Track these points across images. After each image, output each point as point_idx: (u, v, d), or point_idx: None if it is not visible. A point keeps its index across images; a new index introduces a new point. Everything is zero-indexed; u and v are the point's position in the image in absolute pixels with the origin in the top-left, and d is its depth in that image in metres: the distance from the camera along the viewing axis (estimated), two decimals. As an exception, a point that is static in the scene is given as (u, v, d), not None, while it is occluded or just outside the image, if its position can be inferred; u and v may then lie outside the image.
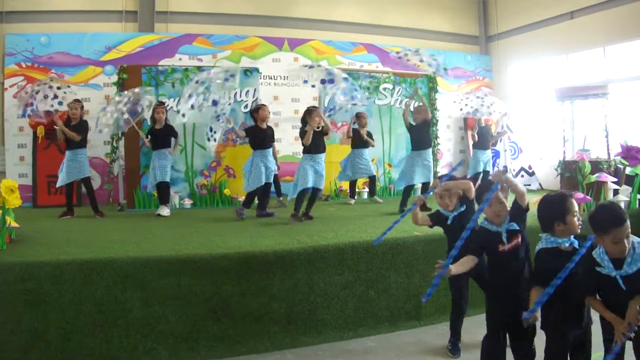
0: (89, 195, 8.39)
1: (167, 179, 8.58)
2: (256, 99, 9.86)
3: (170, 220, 7.72)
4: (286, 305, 5.12)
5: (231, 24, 11.99)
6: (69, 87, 9.27)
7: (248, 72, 9.97)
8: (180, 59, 11.04)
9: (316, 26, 12.60)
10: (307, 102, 11.39)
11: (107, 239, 5.86)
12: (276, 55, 11.82)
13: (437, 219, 4.66)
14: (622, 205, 7.92)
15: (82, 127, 8.32)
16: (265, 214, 7.98)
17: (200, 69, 9.74)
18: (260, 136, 8.03)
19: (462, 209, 4.48)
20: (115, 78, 9.72)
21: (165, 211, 8.33)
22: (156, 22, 11.52)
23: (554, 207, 3.42)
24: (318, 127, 7.42)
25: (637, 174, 8.05)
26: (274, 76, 11.64)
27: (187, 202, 9.21)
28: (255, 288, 5.01)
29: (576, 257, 3.14)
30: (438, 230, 4.79)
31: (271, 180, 8.14)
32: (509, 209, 3.78)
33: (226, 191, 9.66)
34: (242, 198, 9.60)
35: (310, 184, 7.28)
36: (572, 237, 3.38)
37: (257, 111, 8.10)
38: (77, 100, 8.50)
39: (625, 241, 3.05)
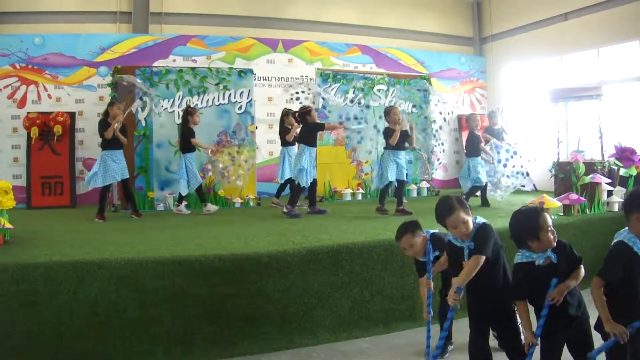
0: (128, 194, 8.48)
1: None
2: (250, 100, 9.86)
3: (165, 222, 7.71)
4: (281, 306, 5.11)
5: (225, 25, 12.00)
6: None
7: (242, 73, 9.98)
8: (174, 60, 11.05)
9: (310, 27, 12.63)
10: (302, 103, 11.42)
11: (102, 240, 5.85)
12: (270, 57, 11.83)
13: (421, 268, 4.32)
14: (616, 207, 7.95)
15: (126, 130, 8.33)
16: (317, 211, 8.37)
17: (194, 70, 9.76)
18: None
19: (437, 253, 4.18)
20: (109, 79, 9.70)
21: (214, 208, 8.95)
22: (150, 23, 11.53)
23: (525, 226, 3.32)
24: (404, 127, 8.20)
25: (630, 175, 8.07)
26: (268, 77, 11.65)
27: (182, 204, 9.20)
28: (250, 289, 5.01)
29: (553, 282, 3.23)
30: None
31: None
32: (471, 228, 3.63)
33: (220, 192, 9.65)
34: (236, 199, 9.64)
35: (392, 178, 8.12)
36: (548, 250, 3.28)
37: (309, 113, 8.39)
38: (120, 101, 8.43)
39: None
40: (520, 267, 3.36)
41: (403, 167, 8.20)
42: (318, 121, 8.63)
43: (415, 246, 4.15)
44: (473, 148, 9.13)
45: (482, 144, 9.18)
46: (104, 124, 7.99)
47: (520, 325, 3.61)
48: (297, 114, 8.69)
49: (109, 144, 8.02)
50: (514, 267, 3.44)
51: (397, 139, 8.07)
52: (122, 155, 8.20)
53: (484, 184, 9.09)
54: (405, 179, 8.42)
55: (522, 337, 3.59)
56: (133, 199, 8.45)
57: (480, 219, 3.71)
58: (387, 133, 8.23)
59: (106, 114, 8.05)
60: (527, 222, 3.31)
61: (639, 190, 3.28)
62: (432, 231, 4.26)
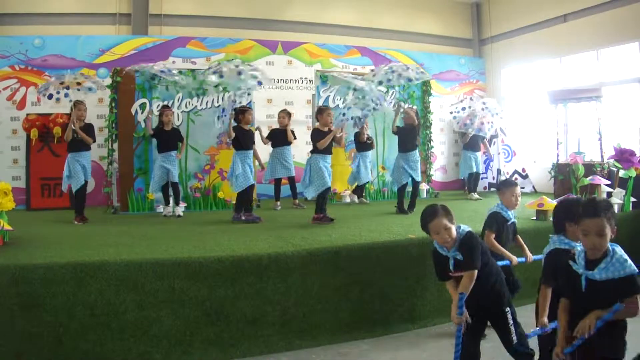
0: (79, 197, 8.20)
1: (177, 180, 8.69)
2: (249, 102, 9.85)
3: (164, 224, 7.70)
4: (280, 308, 5.12)
5: (225, 26, 12.01)
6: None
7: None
8: (174, 62, 11.03)
9: (310, 29, 12.64)
10: (301, 105, 11.45)
11: (101, 241, 5.84)
12: (270, 58, 11.83)
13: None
14: (616, 208, 7.95)
15: (91, 130, 8.21)
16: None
17: (193, 71, 9.75)
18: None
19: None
20: (109, 81, 9.69)
21: (179, 210, 8.61)
22: (150, 25, 11.53)
23: (568, 209, 3.53)
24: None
25: (630, 177, 8.08)
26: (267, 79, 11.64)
27: (181, 205, 9.19)
28: (249, 291, 5.01)
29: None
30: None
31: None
32: (455, 236, 3.72)
33: (220, 194, 9.64)
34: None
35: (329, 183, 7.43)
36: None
37: (243, 113, 8.07)
38: (81, 102, 8.28)
39: (597, 240, 2.91)
40: (555, 252, 3.48)
41: (330, 173, 7.56)
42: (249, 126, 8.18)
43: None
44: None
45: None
46: (66, 127, 8.03)
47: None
48: (233, 110, 8.23)
49: (70, 146, 7.99)
50: (547, 254, 3.56)
51: (327, 142, 7.43)
52: (87, 157, 8.08)
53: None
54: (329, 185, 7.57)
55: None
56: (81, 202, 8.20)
57: (465, 228, 3.80)
58: (315, 135, 7.51)
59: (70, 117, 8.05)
60: (570, 207, 3.53)
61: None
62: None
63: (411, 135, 8.64)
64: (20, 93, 10.38)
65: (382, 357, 4.86)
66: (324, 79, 10.75)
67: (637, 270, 2.87)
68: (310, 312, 5.21)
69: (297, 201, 9.64)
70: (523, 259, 5.02)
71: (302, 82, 11.94)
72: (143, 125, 9.27)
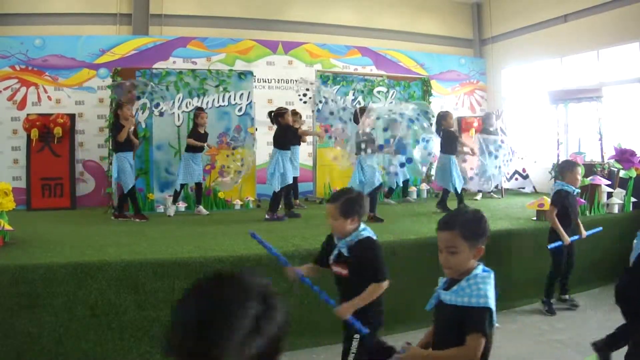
0: (133, 196, 8.38)
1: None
2: (250, 102, 9.86)
3: (165, 224, 7.71)
4: (280, 308, 5.10)
5: (225, 27, 12.00)
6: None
7: (242, 75, 9.97)
8: (174, 62, 11.03)
9: (310, 29, 12.63)
10: (302, 105, 11.41)
11: (101, 242, 5.84)
12: (270, 59, 11.83)
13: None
14: (616, 208, 7.93)
15: (137, 132, 8.35)
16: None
17: (194, 72, 9.76)
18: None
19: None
20: (109, 81, 9.69)
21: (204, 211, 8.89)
22: (150, 25, 11.52)
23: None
24: None
25: (630, 177, 8.07)
26: (268, 79, 11.64)
27: (182, 206, 9.19)
28: (250, 291, 5.00)
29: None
30: (433, 234, 4.77)
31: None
32: (344, 230, 3.46)
33: (220, 194, 9.64)
34: (236, 201, 9.63)
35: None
36: None
37: (283, 116, 8.35)
38: (126, 103, 8.37)
39: (448, 257, 2.50)
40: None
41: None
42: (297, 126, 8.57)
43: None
44: (448, 145, 8.80)
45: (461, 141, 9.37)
46: (117, 127, 7.99)
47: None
48: (272, 114, 8.62)
49: (122, 146, 8.03)
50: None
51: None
52: (131, 157, 8.22)
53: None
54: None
55: None
56: (136, 201, 8.41)
57: (366, 233, 3.53)
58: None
59: (117, 116, 8.02)
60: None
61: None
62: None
63: (453, 138, 8.93)
64: (21, 93, 10.38)
65: (382, 357, 4.85)
66: (324, 79, 10.74)
67: (489, 306, 2.39)
68: (310, 312, 5.20)
69: (297, 201, 9.64)
70: (576, 237, 5.69)
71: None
72: (144, 125, 9.27)
